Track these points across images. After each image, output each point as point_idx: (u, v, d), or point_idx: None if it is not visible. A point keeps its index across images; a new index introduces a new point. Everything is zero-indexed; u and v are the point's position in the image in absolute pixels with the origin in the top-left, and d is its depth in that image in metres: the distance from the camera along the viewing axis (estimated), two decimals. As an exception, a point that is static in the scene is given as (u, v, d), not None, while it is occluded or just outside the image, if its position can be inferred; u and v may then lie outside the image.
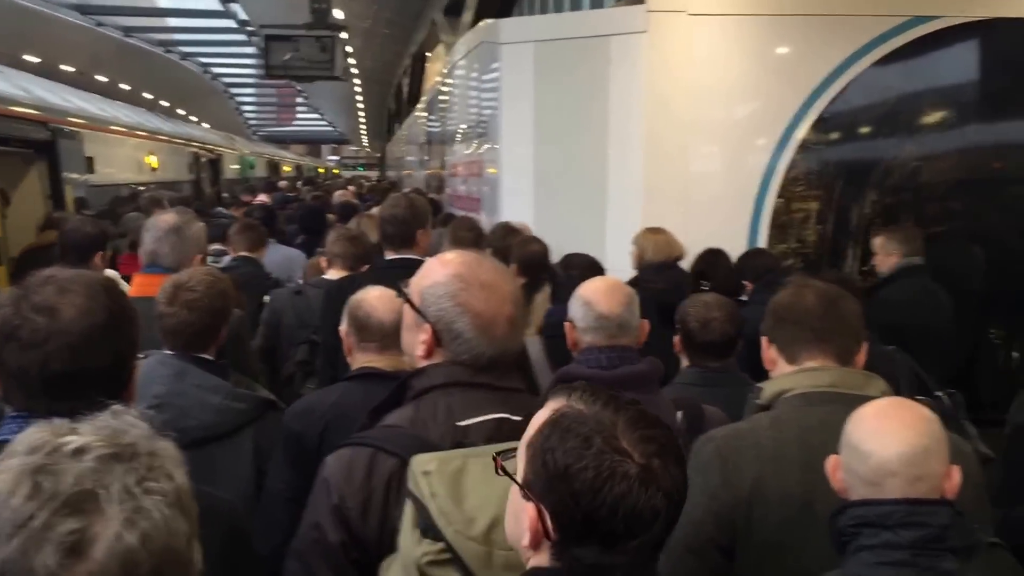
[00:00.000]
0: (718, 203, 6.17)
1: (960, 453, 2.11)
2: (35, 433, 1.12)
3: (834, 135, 6.39)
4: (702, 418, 2.72)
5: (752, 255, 5.31)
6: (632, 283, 4.03)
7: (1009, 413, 3.50)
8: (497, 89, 6.98)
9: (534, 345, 3.78)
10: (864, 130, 6.51)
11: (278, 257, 6.71)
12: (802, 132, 6.22)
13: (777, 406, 2.34)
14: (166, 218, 3.91)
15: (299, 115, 60.89)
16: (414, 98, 20.28)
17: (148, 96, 35.43)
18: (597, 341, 2.73)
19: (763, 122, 6.33)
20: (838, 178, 6.42)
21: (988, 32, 6.40)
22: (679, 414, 2.71)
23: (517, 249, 4.87)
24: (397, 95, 28.51)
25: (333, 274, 4.84)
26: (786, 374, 2.39)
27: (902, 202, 6.45)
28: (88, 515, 1.04)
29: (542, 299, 4.24)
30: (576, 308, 2.80)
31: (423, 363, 2.06)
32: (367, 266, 4.61)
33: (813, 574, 1.95)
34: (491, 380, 2.02)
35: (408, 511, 1.71)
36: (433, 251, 3.07)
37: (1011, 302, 6.12)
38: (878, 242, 5.35)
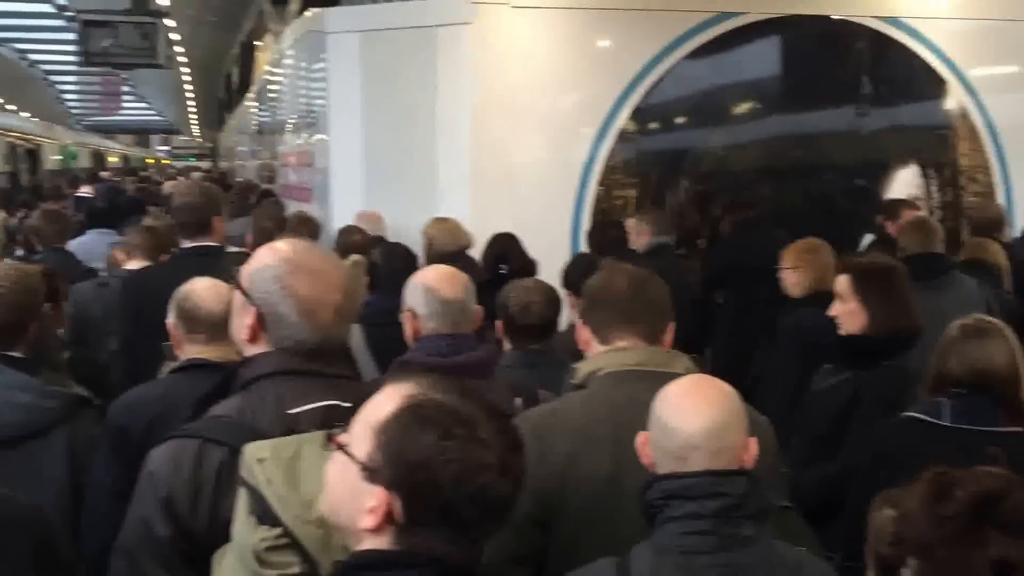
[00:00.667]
0: (542, 191, 6.38)
1: (756, 425, 2.25)
2: None
3: (650, 125, 6.71)
4: (537, 402, 2.71)
5: (600, 231, 5.62)
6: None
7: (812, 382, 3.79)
8: (325, 79, 6.96)
9: (355, 333, 3.83)
10: (678, 120, 6.87)
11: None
12: (620, 122, 6.50)
13: (589, 385, 2.44)
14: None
15: (125, 104, 58.08)
16: (244, 87, 19.78)
17: (-41, 84, 33.08)
18: (441, 328, 2.69)
19: (584, 112, 6.58)
20: (654, 166, 6.76)
21: (789, 28, 6.86)
22: (517, 400, 2.71)
23: (340, 238, 4.99)
24: (227, 84, 27.65)
25: (134, 265, 4.78)
26: (598, 354, 2.49)
27: (712, 189, 6.85)
28: None
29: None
30: (416, 296, 2.73)
31: (249, 349, 2.05)
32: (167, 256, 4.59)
33: (625, 545, 2.04)
34: (319, 367, 2.02)
35: (242, 499, 1.71)
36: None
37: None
38: (631, 224, 5.78)
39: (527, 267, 4.89)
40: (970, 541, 1.41)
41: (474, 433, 1.37)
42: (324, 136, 7.02)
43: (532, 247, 5.22)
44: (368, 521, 1.40)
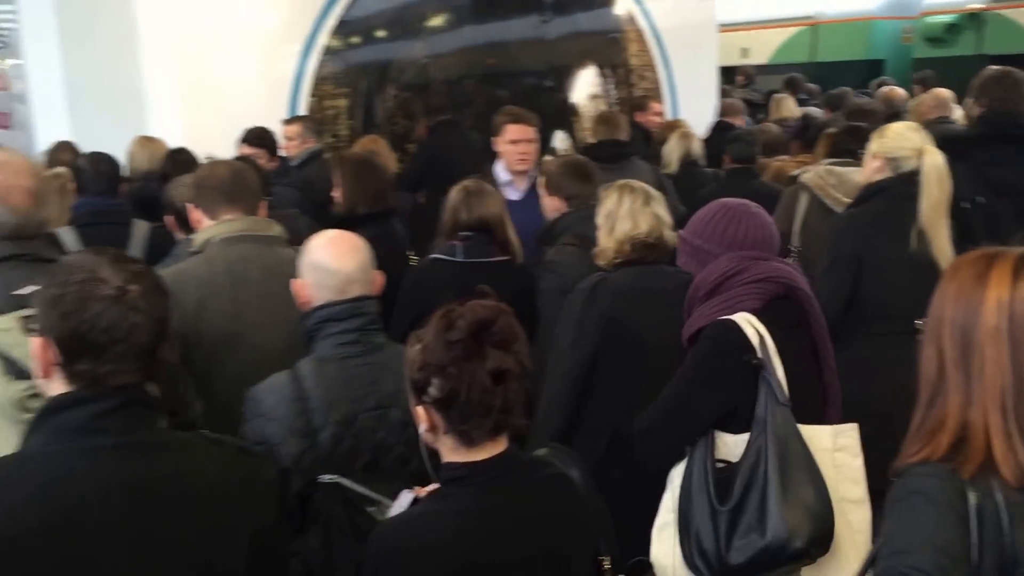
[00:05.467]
0: (253, 106, 6.31)
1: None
2: None
3: (354, 38, 7.02)
4: None
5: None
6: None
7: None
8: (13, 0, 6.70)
9: (68, 235, 3.98)
10: (379, 32, 7.22)
11: None
12: (325, 37, 6.77)
13: (207, 250, 3.00)
14: None
15: None
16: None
17: None
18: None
19: (288, 28, 6.77)
20: (362, 76, 7.10)
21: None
22: None
23: (50, 156, 5.14)
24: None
25: None
26: (210, 226, 3.06)
27: (416, 96, 7.28)
28: None
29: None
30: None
31: None
32: None
33: (248, 366, 2.66)
34: (34, 251, 2.49)
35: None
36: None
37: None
38: (293, 130, 6.08)
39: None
40: (472, 357, 1.84)
41: (92, 273, 1.65)
42: (18, 60, 6.82)
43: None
44: (39, 369, 1.67)
